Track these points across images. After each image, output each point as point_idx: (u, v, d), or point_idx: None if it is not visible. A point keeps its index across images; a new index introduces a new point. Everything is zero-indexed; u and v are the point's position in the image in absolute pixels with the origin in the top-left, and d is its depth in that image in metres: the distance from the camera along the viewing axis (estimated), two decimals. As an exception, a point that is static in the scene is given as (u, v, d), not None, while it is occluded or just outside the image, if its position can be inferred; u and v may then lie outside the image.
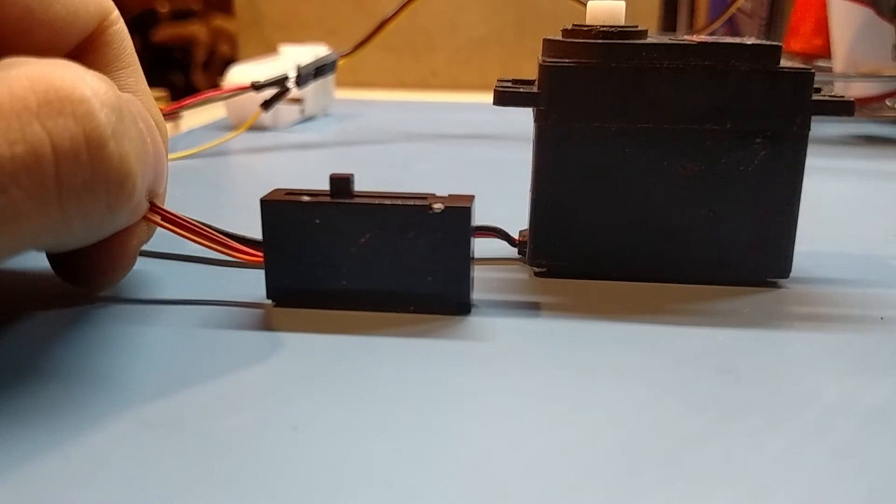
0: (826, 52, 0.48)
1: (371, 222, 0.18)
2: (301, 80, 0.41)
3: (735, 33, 0.57)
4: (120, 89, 0.17)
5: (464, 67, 0.70)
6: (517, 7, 0.69)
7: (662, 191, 0.21)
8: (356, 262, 0.18)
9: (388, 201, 0.18)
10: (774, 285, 0.21)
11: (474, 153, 0.40)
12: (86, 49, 0.19)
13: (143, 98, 0.20)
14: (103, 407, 0.14)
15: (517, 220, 0.23)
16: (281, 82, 0.40)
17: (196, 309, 0.19)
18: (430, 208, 0.18)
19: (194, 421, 0.14)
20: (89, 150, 0.14)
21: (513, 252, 0.23)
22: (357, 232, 0.18)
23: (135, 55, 0.20)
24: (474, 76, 0.70)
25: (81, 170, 0.14)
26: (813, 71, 0.20)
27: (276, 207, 0.18)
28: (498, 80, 0.22)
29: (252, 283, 0.20)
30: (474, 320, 0.19)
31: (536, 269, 0.22)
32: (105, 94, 0.15)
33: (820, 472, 0.13)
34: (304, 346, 0.17)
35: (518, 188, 0.32)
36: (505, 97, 0.20)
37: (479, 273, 0.21)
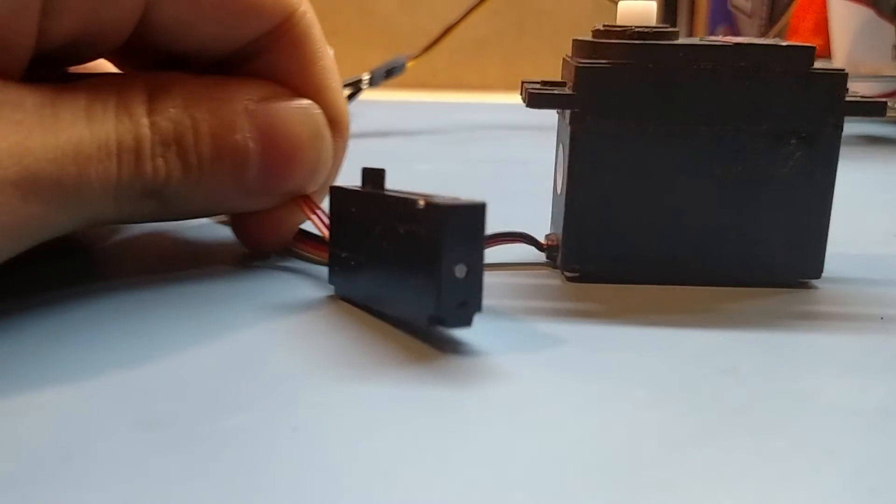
0: (826, 52, 0.48)
1: (379, 213, 0.18)
2: (373, 81, 0.43)
3: (735, 33, 0.57)
4: (303, 90, 0.20)
5: (464, 67, 0.70)
6: (517, 7, 0.69)
7: (697, 193, 0.21)
8: (371, 253, 0.18)
9: (397, 195, 0.18)
10: (775, 285, 0.21)
11: (475, 153, 0.40)
12: (269, 46, 0.20)
13: (324, 94, 0.21)
14: (103, 406, 0.14)
15: (519, 219, 0.22)
16: (355, 84, 0.42)
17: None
18: (416, 203, 0.17)
19: (194, 421, 0.14)
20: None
21: (538, 256, 0.23)
22: (373, 222, 0.18)
23: (321, 51, 0.21)
24: (474, 76, 0.70)
25: None
26: (846, 72, 0.20)
27: (335, 194, 0.19)
28: (525, 82, 0.21)
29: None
30: (477, 320, 0.19)
31: (568, 274, 0.22)
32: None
33: (820, 472, 0.13)
34: (306, 343, 0.17)
35: (519, 188, 0.32)
36: (538, 99, 0.20)
37: (505, 278, 0.21)
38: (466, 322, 0.17)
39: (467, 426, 0.14)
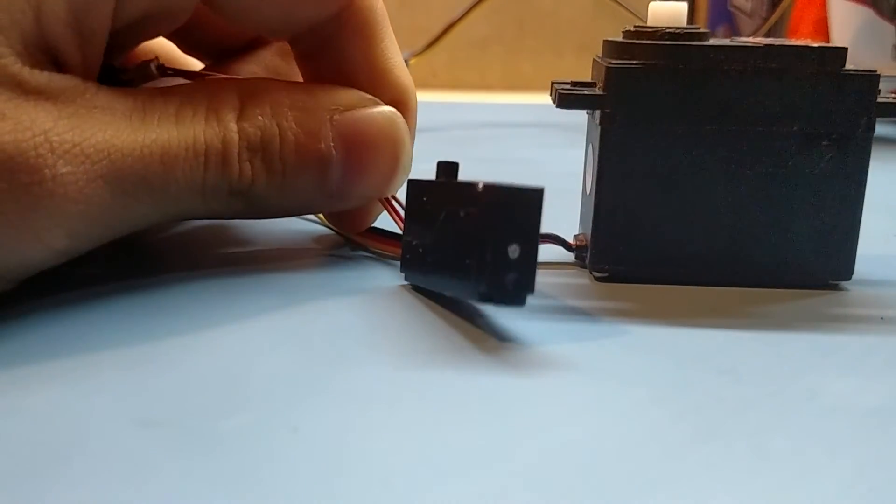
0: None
1: (445, 199, 0.18)
2: None
3: (735, 33, 0.57)
4: (367, 73, 0.21)
5: (464, 67, 0.70)
6: (517, 7, 0.69)
7: (728, 194, 0.21)
8: (436, 237, 0.19)
9: (461, 181, 0.18)
10: (805, 287, 0.21)
11: (475, 153, 0.40)
12: (336, 33, 0.21)
13: (388, 77, 0.22)
14: (102, 406, 0.14)
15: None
16: None
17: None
18: (476, 186, 0.17)
19: (194, 421, 0.14)
20: None
21: (567, 256, 0.23)
22: (440, 208, 0.19)
23: (383, 31, 0.21)
24: (474, 76, 0.70)
25: None
26: (878, 73, 0.20)
27: (411, 187, 0.20)
28: (555, 82, 0.21)
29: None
30: (489, 317, 0.19)
31: (597, 274, 0.22)
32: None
33: (820, 472, 0.13)
34: (310, 344, 0.17)
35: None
36: (568, 99, 0.20)
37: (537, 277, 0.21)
38: (518, 302, 0.17)
39: (466, 425, 0.14)
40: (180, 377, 0.16)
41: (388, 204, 0.22)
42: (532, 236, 0.17)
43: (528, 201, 0.17)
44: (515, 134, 0.46)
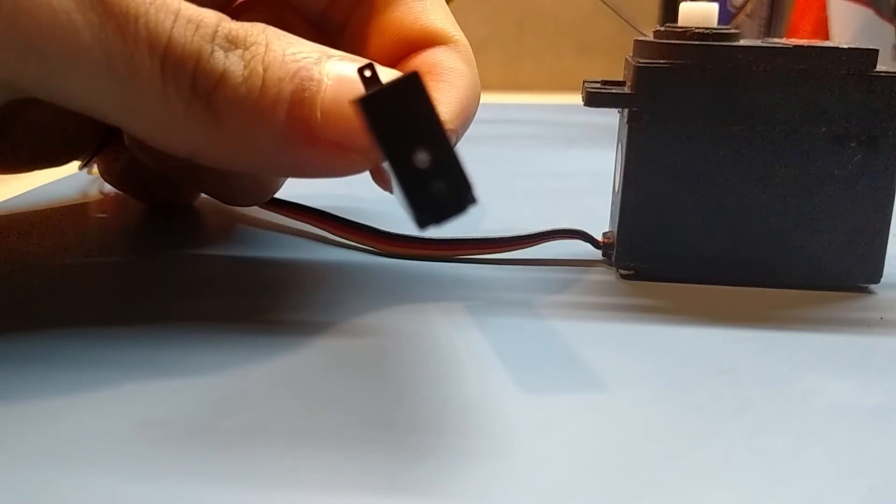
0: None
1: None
2: None
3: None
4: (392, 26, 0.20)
5: (464, 68, 0.70)
6: (517, 8, 0.69)
7: (755, 194, 0.21)
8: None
9: None
10: (832, 289, 0.21)
11: (475, 153, 0.40)
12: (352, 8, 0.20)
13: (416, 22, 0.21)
14: (103, 406, 0.14)
15: (521, 219, 0.22)
16: None
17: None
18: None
19: (194, 421, 0.14)
20: None
21: (595, 254, 0.23)
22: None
23: None
24: (474, 76, 0.70)
25: None
26: None
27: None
28: (586, 82, 0.21)
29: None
30: (499, 318, 0.19)
31: (622, 272, 0.22)
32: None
33: (820, 472, 0.13)
34: (309, 343, 0.17)
35: (520, 188, 0.32)
36: (596, 98, 0.20)
37: (558, 274, 0.21)
38: (460, 208, 0.14)
39: (466, 424, 0.14)
40: (181, 378, 0.16)
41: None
42: (434, 132, 0.13)
43: (405, 94, 0.13)
44: (515, 134, 0.46)
